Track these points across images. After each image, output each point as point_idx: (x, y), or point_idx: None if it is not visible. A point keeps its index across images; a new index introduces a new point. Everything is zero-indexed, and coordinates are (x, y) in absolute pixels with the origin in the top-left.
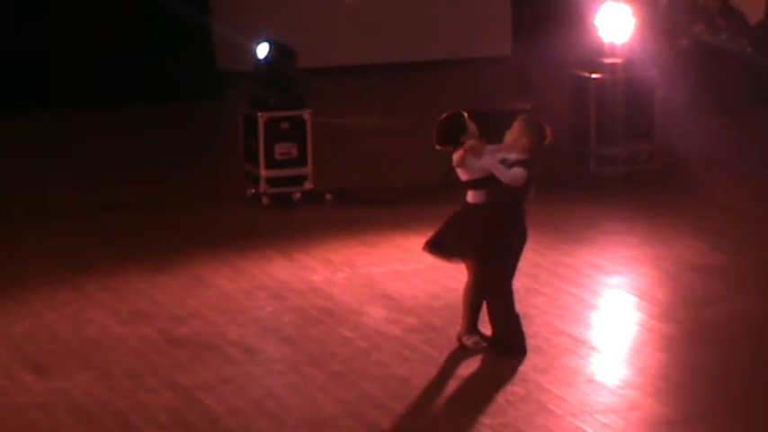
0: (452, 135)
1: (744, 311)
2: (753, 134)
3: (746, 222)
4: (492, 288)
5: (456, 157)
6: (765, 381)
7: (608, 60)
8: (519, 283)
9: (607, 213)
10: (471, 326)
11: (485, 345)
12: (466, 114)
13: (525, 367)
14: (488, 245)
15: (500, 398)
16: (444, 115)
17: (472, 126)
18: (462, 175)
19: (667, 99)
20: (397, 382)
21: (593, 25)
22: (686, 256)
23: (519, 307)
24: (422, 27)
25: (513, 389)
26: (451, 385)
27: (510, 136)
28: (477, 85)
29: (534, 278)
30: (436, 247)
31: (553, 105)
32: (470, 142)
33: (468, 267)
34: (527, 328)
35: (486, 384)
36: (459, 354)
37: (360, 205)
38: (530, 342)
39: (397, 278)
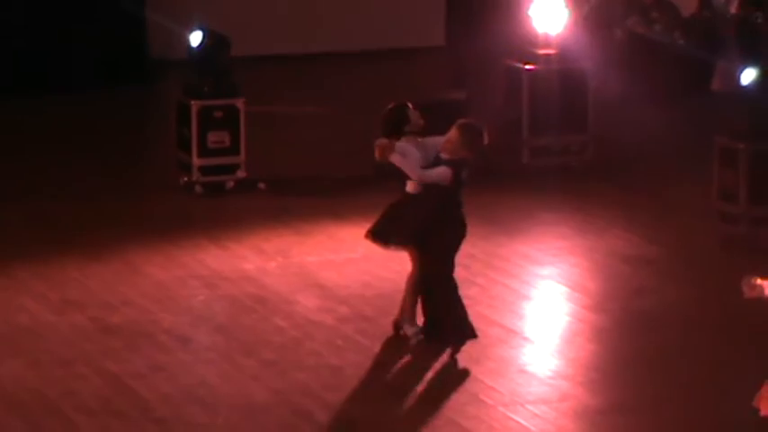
0: (394, 125)
1: (674, 302)
2: (685, 126)
3: (678, 214)
4: (431, 277)
5: (376, 152)
6: (695, 371)
7: (542, 51)
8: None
9: (540, 204)
10: (413, 315)
11: (422, 336)
12: (410, 105)
13: (457, 357)
14: (426, 235)
15: (432, 388)
16: (389, 106)
17: (415, 117)
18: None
19: (601, 90)
20: (330, 371)
21: (527, 16)
22: (618, 248)
23: None
24: (356, 16)
25: (445, 378)
26: (383, 375)
27: (448, 141)
28: (410, 75)
29: (467, 269)
30: (376, 234)
31: (487, 96)
32: (379, 141)
33: (410, 256)
34: None
35: (418, 374)
36: (392, 343)
37: (293, 194)
38: None
39: (330, 267)
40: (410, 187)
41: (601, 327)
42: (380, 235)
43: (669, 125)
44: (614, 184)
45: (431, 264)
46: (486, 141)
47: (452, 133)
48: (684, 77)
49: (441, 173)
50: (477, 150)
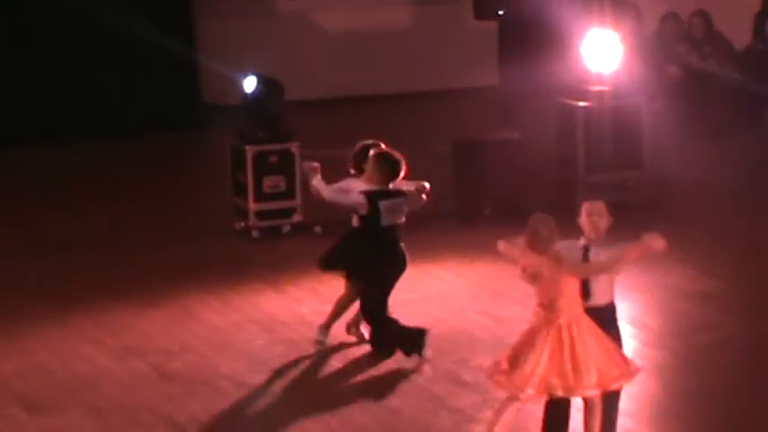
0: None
1: (735, 338)
2: (741, 160)
3: (736, 248)
4: (369, 304)
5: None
6: (758, 407)
7: (595, 88)
8: (510, 312)
9: None
10: (328, 324)
11: (323, 342)
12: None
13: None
14: (364, 267)
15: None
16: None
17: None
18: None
19: (655, 126)
20: (390, 414)
21: (580, 53)
22: (677, 283)
23: (513, 335)
24: (407, 58)
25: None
26: (443, 416)
27: (367, 170)
28: (464, 114)
29: (526, 306)
30: (320, 262)
31: (540, 134)
32: (305, 164)
33: (345, 281)
34: None
35: (477, 413)
36: (452, 386)
37: None
38: None
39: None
40: (353, 221)
41: (663, 363)
42: (322, 262)
43: (724, 159)
44: (671, 219)
45: (367, 294)
46: (400, 172)
47: (369, 159)
48: (739, 111)
49: (354, 199)
50: (386, 181)
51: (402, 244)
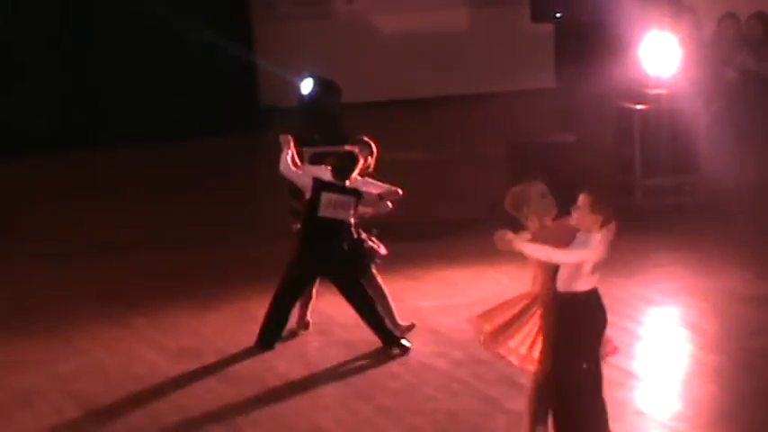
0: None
1: None
2: None
3: None
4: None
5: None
6: None
7: (653, 91)
8: None
9: (654, 245)
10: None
11: None
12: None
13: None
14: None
15: None
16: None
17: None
18: None
19: (712, 129)
20: (446, 416)
21: (638, 56)
22: (734, 287)
23: None
24: (464, 61)
25: None
26: (499, 419)
27: None
28: (520, 117)
29: None
30: None
31: (597, 137)
32: (280, 135)
33: None
34: None
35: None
36: (507, 388)
37: (405, 240)
38: None
39: (444, 312)
40: None
41: (720, 367)
42: None
43: None
44: (728, 223)
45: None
46: (350, 172)
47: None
48: None
49: (304, 180)
50: (336, 175)
51: (361, 241)
